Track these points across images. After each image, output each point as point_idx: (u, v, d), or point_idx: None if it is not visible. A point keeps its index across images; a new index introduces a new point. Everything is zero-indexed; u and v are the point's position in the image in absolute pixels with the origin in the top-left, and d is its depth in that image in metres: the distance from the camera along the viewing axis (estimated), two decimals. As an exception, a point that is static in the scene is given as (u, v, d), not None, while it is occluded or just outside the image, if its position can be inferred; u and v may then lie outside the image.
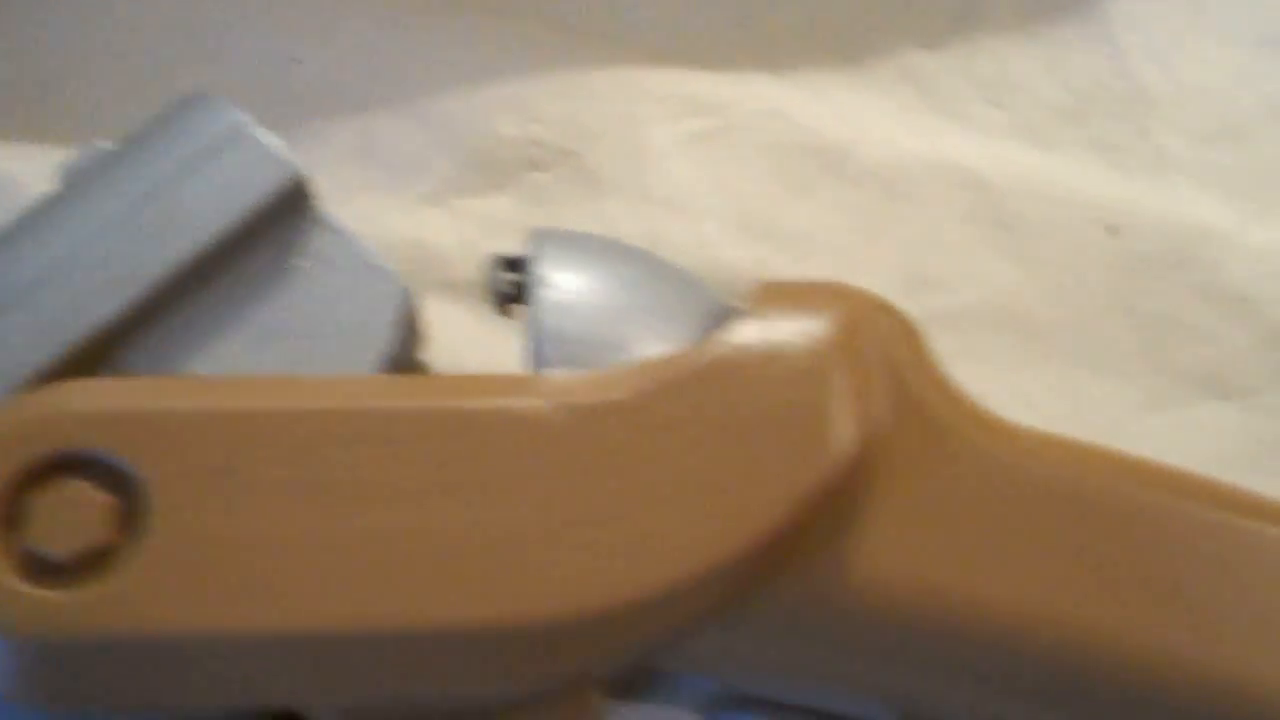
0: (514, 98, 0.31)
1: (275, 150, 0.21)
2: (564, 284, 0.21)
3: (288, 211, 0.21)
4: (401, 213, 0.29)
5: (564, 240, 0.22)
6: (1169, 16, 0.33)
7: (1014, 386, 0.28)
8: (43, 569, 0.17)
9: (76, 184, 0.22)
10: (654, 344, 0.20)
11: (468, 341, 0.27)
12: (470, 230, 0.29)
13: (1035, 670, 0.20)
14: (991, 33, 0.33)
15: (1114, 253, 0.30)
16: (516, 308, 0.22)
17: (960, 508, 0.20)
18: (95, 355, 0.20)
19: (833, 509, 0.19)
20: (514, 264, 0.22)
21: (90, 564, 0.17)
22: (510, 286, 0.22)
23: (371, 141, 0.30)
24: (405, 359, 0.22)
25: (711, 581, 0.18)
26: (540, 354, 0.20)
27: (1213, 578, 0.20)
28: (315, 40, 0.31)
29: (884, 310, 0.21)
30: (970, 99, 0.32)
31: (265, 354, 0.21)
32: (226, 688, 0.18)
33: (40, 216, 0.21)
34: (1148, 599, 0.20)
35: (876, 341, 0.20)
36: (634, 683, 0.20)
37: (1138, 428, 0.28)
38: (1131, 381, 0.29)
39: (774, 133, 0.31)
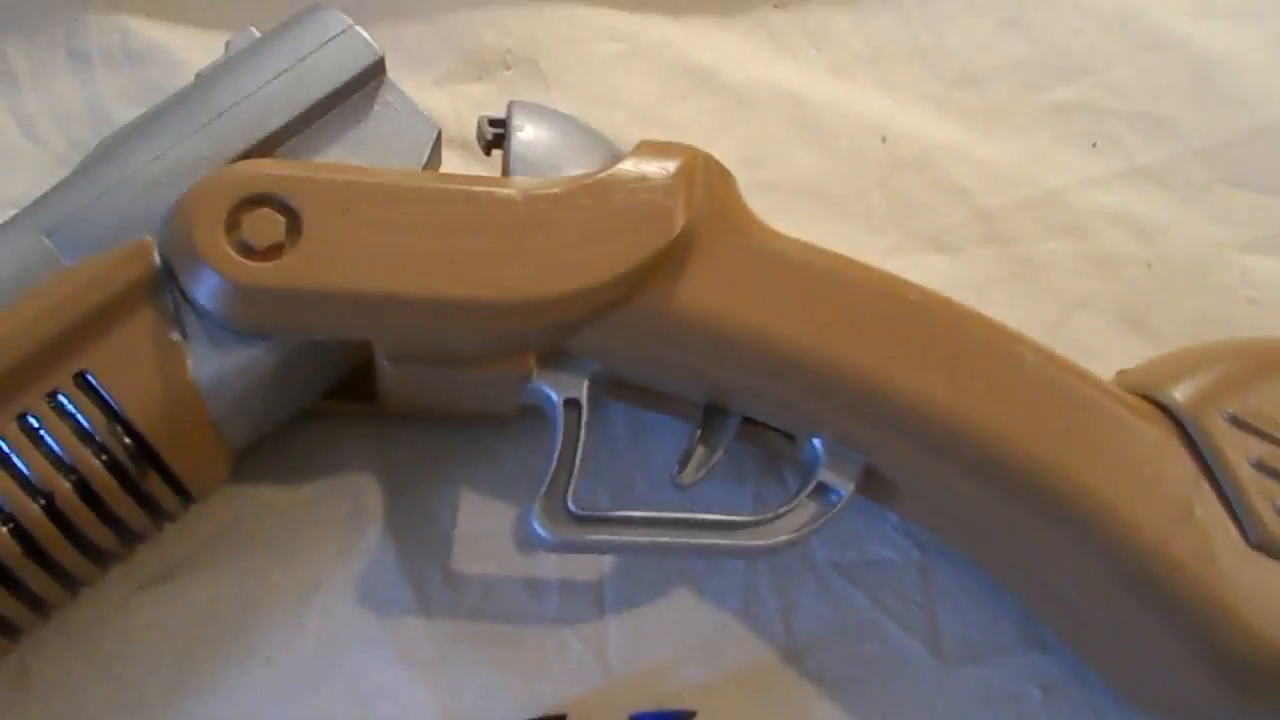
0: (496, 18, 0.46)
1: (366, 38, 0.37)
2: (527, 131, 0.37)
3: (371, 76, 0.37)
4: (417, 91, 0.43)
5: (528, 107, 0.38)
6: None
7: (802, 234, 0.43)
8: (247, 252, 0.33)
9: (239, 55, 0.37)
10: (577, 168, 0.36)
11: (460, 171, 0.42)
12: (462, 107, 0.45)
13: (796, 371, 0.35)
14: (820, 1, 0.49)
15: (882, 152, 0.47)
16: (496, 151, 0.38)
17: (745, 270, 0.36)
18: (259, 153, 0.35)
19: (667, 262, 0.35)
20: (496, 122, 0.38)
21: (272, 251, 0.33)
22: (493, 135, 0.38)
23: (398, 42, 0.45)
24: (434, 169, 0.37)
25: (594, 292, 0.34)
26: (511, 169, 0.36)
27: (935, 332, 0.35)
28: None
29: (712, 160, 0.37)
30: (801, 44, 0.48)
31: (354, 160, 0.36)
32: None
33: (219, 73, 0.36)
34: (879, 335, 0.35)
35: (705, 175, 0.36)
36: (550, 358, 0.36)
37: (883, 265, 0.44)
38: (883, 235, 0.45)
39: (665, 57, 0.47)
